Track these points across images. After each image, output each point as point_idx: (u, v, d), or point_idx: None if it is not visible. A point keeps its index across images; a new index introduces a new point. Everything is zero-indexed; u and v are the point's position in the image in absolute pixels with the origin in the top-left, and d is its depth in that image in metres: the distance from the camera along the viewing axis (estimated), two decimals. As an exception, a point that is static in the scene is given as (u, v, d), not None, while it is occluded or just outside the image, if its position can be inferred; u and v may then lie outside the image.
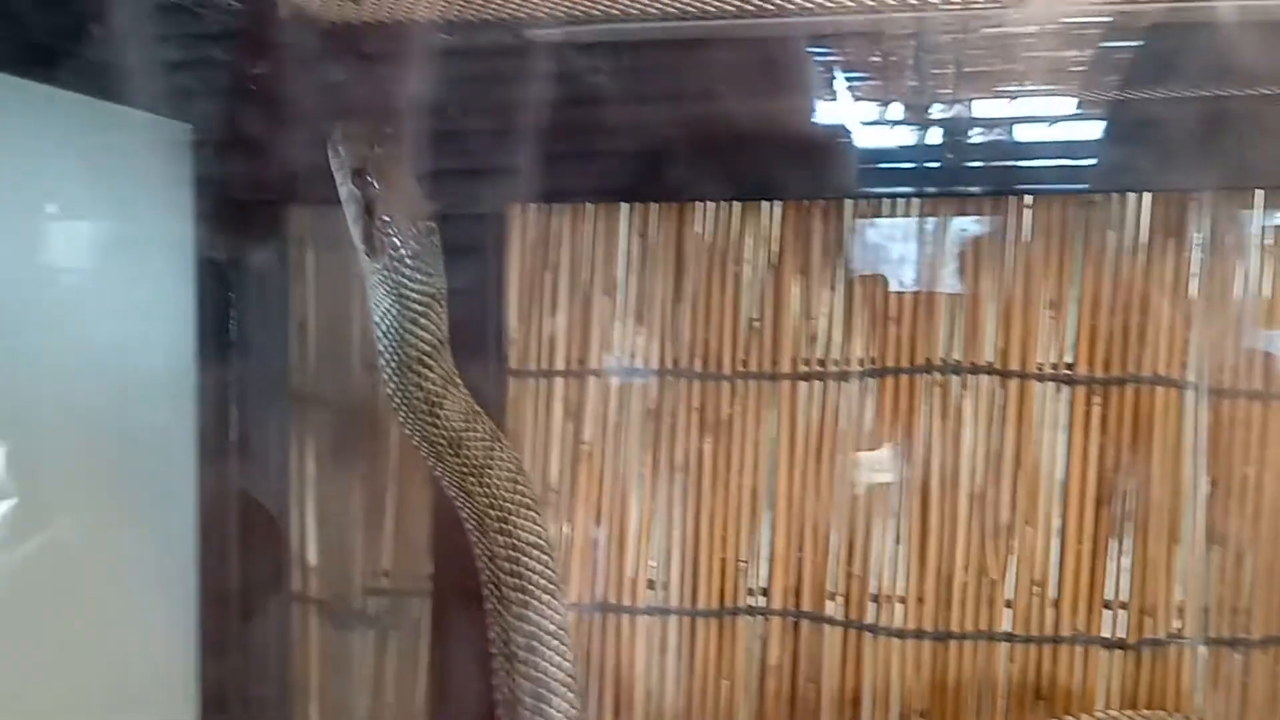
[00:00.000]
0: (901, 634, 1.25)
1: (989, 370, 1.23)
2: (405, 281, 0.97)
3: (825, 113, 1.26)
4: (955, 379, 1.24)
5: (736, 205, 1.28)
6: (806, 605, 1.28)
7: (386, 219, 0.97)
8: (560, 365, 1.32)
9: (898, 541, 1.26)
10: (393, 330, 0.98)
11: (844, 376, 1.26)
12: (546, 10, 1.08)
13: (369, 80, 1.21)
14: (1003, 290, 1.24)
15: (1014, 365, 1.23)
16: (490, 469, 1.10)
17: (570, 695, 1.17)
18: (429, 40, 1.13)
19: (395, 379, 1.01)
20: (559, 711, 1.16)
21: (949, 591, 1.24)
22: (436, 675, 1.33)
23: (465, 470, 1.10)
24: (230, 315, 1.28)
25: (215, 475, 1.27)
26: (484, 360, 1.29)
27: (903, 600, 1.26)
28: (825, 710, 1.28)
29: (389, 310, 0.98)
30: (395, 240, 0.97)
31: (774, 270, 1.27)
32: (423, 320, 0.97)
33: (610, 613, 1.32)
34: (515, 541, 1.15)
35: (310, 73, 1.19)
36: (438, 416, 1.04)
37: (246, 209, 1.27)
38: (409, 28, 1.12)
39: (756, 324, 1.28)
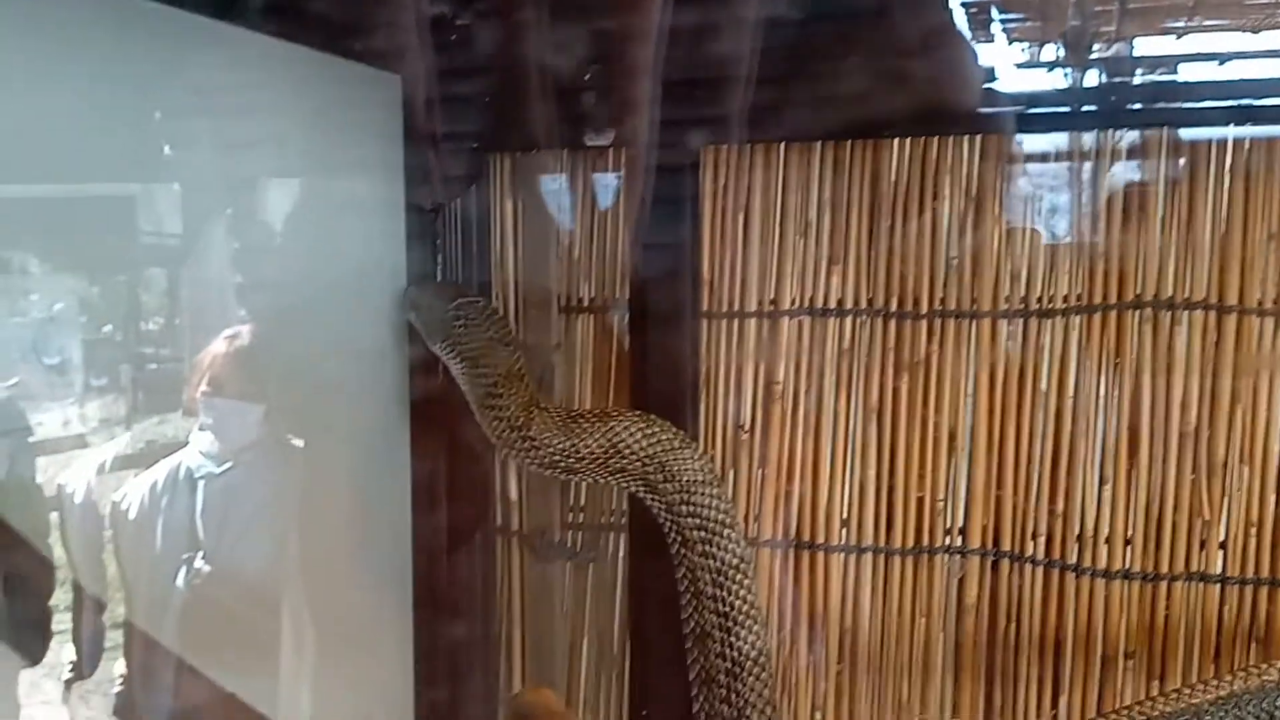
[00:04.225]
0: (1108, 574, 1.23)
1: (1204, 305, 1.19)
2: (456, 343, 1.18)
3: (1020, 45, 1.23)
4: (1167, 315, 1.20)
5: (933, 141, 1.26)
6: (1006, 545, 1.27)
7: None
8: (753, 306, 1.33)
9: (1103, 481, 1.23)
10: (463, 377, 1.17)
11: (1048, 314, 1.24)
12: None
13: (571, 30, 1.23)
14: (1219, 224, 1.19)
15: (1231, 300, 1.19)
16: (620, 444, 1.14)
17: (756, 627, 1.20)
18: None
19: (481, 416, 1.17)
20: (746, 643, 1.19)
21: (1159, 532, 1.22)
22: (633, 605, 1.37)
23: (598, 459, 1.15)
24: (436, 260, 1.32)
25: (425, 416, 1.33)
26: (677, 302, 1.31)
27: (1109, 541, 1.23)
28: (1025, 650, 1.27)
29: (456, 366, 1.18)
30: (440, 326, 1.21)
31: (973, 207, 1.25)
32: (482, 362, 1.16)
33: (803, 549, 1.34)
34: (682, 484, 1.17)
35: (514, 24, 1.22)
36: (532, 438, 1.14)
37: (451, 156, 1.31)
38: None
39: (955, 261, 1.26)
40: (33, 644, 0.97)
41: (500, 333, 1.18)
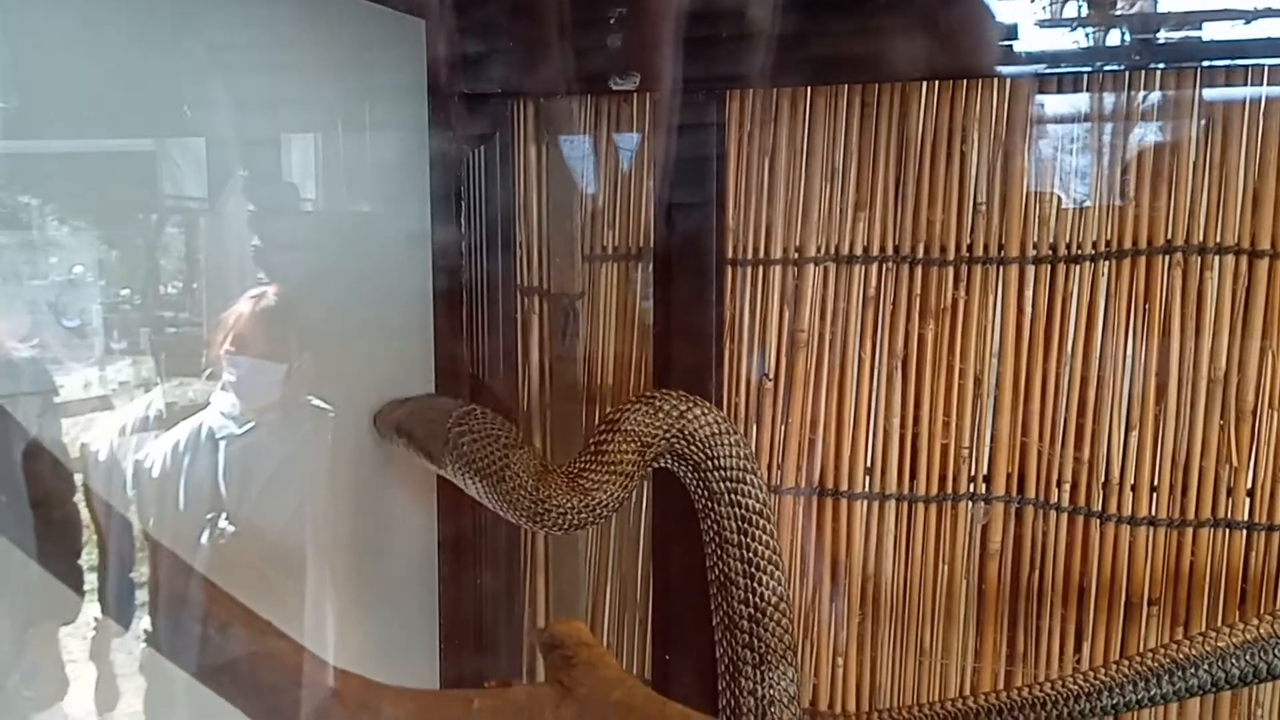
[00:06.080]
0: (1133, 521, 1.23)
1: (1236, 250, 1.18)
2: (470, 461, 1.10)
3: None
4: (1197, 260, 1.19)
5: (961, 86, 1.25)
6: (1031, 491, 1.27)
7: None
8: (778, 253, 1.32)
9: (1130, 428, 1.23)
10: (490, 495, 1.10)
11: (1076, 259, 1.23)
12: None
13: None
14: (1251, 168, 1.17)
15: (1263, 245, 1.17)
16: (643, 436, 1.11)
17: (778, 573, 1.20)
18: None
19: (531, 522, 1.09)
20: (768, 589, 1.19)
21: (1185, 479, 1.21)
22: (655, 552, 1.38)
23: (637, 465, 1.11)
24: (460, 206, 1.32)
25: (449, 368, 1.33)
26: (701, 249, 1.30)
27: (1134, 487, 1.23)
28: (1049, 597, 1.27)
29: (476, 485, 1.10)
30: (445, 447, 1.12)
31: (1001, 152, 1.24)
32: (508, 475, 1.08)
33: (827, 497, 1.34)
34: (702, 440, 1.17)
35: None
36: (591, 507, 1.08)
37: (474, 103, 1.30)
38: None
39: (982, 207, 1.25)
40: (69, 602, 0.98)
41: (509, 436, 1.12)
